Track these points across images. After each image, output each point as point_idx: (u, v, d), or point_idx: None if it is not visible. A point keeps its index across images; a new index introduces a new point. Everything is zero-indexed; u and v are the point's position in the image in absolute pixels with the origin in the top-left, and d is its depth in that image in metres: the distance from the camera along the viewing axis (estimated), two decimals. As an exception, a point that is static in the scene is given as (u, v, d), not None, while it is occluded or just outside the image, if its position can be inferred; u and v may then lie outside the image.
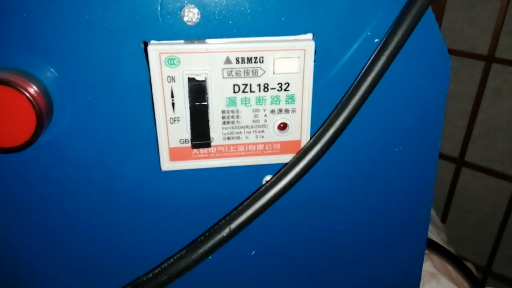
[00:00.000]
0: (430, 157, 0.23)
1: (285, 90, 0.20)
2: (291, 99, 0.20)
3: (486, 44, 0.56)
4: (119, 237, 0.22)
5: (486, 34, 0.56)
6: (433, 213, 0.57)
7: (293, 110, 0.21)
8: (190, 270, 0.18)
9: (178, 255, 0.18)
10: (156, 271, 0.18)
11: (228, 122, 0.20)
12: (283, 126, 0.21)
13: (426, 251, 0.42)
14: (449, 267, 0.41)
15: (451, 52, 0.59)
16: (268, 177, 0.22)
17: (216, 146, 0.21)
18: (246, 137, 0.21)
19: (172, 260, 0.18)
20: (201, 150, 0.20)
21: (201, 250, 0.18)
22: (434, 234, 0.49)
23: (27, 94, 0.17)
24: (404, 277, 0.28)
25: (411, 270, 0.27)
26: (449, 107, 0.61)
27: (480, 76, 0.57)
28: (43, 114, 0.18)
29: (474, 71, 0.58)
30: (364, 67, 0.19)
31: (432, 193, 0.24)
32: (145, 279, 0.18)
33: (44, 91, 0.18)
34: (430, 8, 0.19)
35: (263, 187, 0.20)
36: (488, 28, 0.55)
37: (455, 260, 0.40)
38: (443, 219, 0.66)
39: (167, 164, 0.21)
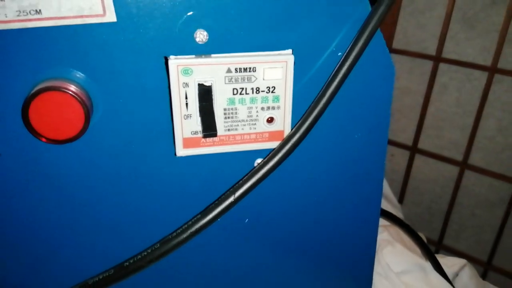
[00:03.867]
0: (380, 143, 0.30)
1: (272, 92, 0.26)
2: (276, 99, 0.26)
3: (434, 46, 0.64)
4: (145, 210, 0.27)
5: (434, 37, 0.64)
6: (391, 195, 0.65)
7: (278, 107, 0.27)
8: (205, 229, 0.24)
9: (196, 218, 0.24)
10: (180, 230, 0.24)
11: (228, 117, 0.26)
12: (270, 120, 0.27)
13: (384, 224, 0.49)
14: (404, 237, 0.48)
15: (405, 53, 0.67)
16: (259, 160, 0.28)
17: (219, 136, 0.26)
18: (242, 129, 0.27)
19: (191, 222, 0.24)
20: (208, 139, 0.26)
21: (214, 213, 0.24)
22: (392, 212, 0.57)
23: (79, 99, 0.22)
24: (364, 243, 0.34)
25: (369, 237, 0.34)
26: (403, 102, 0.69)
27: (429, 74, 0.66)
28: (89, 113, 0.23)
29: (425, 70, 0.66)
30: (330, 75, 0.26)
31: (383, 173, 0.31)
32: (170, 237, 0.24)
33: (88, 96, 0.23)
34: (379, 30, 0.26)
35: (257, 167, 0.26)
36: (435, 32, 0.63)
37: (408, 229, 0.47)
38: (400, 200, 0.74)
39: (181, 151, 0.26)
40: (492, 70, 0.60)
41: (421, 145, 0.70)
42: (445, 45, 0.63)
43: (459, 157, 0.67)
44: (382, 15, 0.24)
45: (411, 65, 0.66)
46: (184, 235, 0.24)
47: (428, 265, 0.42)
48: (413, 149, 0.71)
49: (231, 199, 0.25)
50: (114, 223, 0.27)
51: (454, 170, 0.68)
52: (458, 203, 0.69)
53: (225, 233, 0.30)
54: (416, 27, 0.65)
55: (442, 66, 0.64)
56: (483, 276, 0.70)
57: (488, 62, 0.61)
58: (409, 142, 0.71)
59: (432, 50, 0.64)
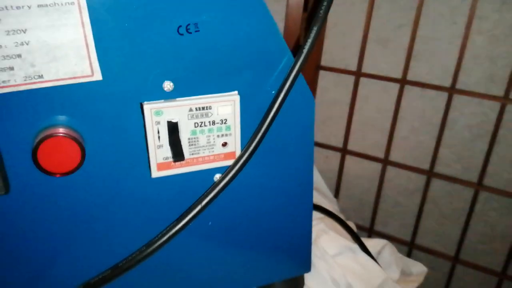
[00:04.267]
0: (308, 153, 0.39)
1: (224, 123, 0.34)
2: (228, 128, 0.34)
3: (355, 63, 0.75)
4: (129, 221, 0.34)
5: (355, 56, 0.75)
6: (328, 191, 0.75)
7: (230, 134, 0.35)
8: (181, 231, 0.32)
9: (173, 224, 0.32)
10: (161, 233, 0.31)
11: (192, 145, 0.34)
12: (224, 144, 0.35)
13: (320, 216, 0.59)
14: (336, 226, 0.58)
15: (331, 69, 0.77)
16: (218, 175, 0.36)
17: (186, 159, 0.34)
18: (203, 152, 0.34)
19: (169, 227, 0.32)
20: (177, 163, 0.34)
21: (187, 218, 0.32)
22: (328, 206, 0.67)
23: (76, 140, 0.29)
24: (302, 232, 0.43)
25: (305, 227, 0.43)
26: (333, 111, 0.80)
27: (352, 87, 0.76)
28: (84, 150, 0.30)
29: (348, 83, 0.77)
30: (268, 108, 0.34)
31: (312, 172, 0.40)
32: (155, 239, 0.31)
33: (81, 136, 0.30)
34: (301, 74, 0.35)
35: (216, 181, 0.34)
36: (356, 51, 0.74)
37: (339, 220, 0.57)
38: (336, 195, 0.85)
39: (155, 173, 0.34)
40: (403, 81, 0.72)
41: (350, 147, 0.81)
42: (364, 62, 0.74)
43: (381, 155, 0.79)
44: (302, 64, 0.33)
45: (337, 79, 0.77)
46: (165, 237, 0.31)
47: (356, 247, 0.52)
48: (344, 151, 0.82)
49: (199, 207, 0.32)
50: (105, 232, 0.34)
51: (378, 167, 0.79)
52: (383, 194, 0.81)
53: (192, 233, 0.37)
54: (339, 47, 0.75)
55: (363, 80, 0.75)
56: (408, 253, 0.83)
57: (399, 75, 0.72)
58: (340, 144, 0.82)
59: (353, 67, 0.75)
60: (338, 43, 0.75)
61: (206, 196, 0.33)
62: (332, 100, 0.78)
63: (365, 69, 0.74)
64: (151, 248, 0.32)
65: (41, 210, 0.31)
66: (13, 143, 0.29)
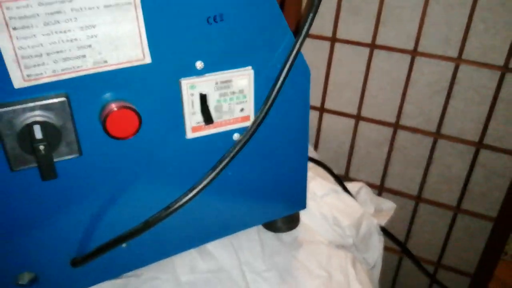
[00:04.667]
0: (304, 108, 0.48)
1: (241, 93, 0.43)
2: (244, 97, 0.43)
3: (330, 30, 0.84)
4: (162, 178, 0.43)
5: (330, 23, 0.83)
6: (310, 146, 0.86)
7: (246, 101, 0.44)
8: (212, 182, 0.41)
9: (207, 175, 0.41)
10: (197, 184, 0.41)
11: (217, 111, 0.43)
12: (241, 110, 0.44)
13: (308, 166, 0.69)
14: (321, 172, 0.69)
15: (309, 36, 0.86)
16: (236, 135, 0.45)
17: (214, 123, 0.43)
18: (225, 117, 0.43)
19: (202, 180, 0.41)
20: (207, 125, 0.43)
21: (218, 168, 0.41)
22: (312, 157, 0.77)
23: (134, 110, 0.37)
24: (298, 178, 0.53)
25: (301, 172, 0.53)
26: (312, 74, 0.89)
27: (328, 52, 0.86)
28: (141, 120, 0.38)
29: (324, 48, 0.86)
30: (275, 80, 0.43)
31: (307, 128, 0.50)
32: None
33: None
34: (300, 52, 0.43)
35: (237, 139, 0.43)
36: (331, 19, 0.83)
37: (324, 166, 0.68)
38: (315, 148, 0.96)
39: (190, 134, 0.42)
40: (372, 46, 0.82)
41: (327, 105, 0.91)
42: (338, 28, 0.83)
43: (354, 112, 0.89)
44: (300, 44, 0.42)
45: (314, 45, 0.86)
46: (201, 186, 0.41)
47: (339, 189, 0.64)
48: (321, 109, 0.92)
49: (227, 159, 0.42)
50: (150, 185, 0.43)
51: (351, 122, 0.90)
52: (356, 146, 0.93)
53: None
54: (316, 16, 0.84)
55: (337, 45, 0.85)
56: (379, 195, 0.96)
57: (369, 40, 0.82)
58: (318, 104, 0.92)
59: (329, 33, 0.84)
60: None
61: (232, 150, 0.42)
62: (310, 64, 0.87)
63: (339, 35, 0.83)
64: (191, 194, 0.41)
65: (106, 168, 0.40)
66: (84, 114, 0.37)
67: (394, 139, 0.88)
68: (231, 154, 0.42)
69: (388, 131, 0.88)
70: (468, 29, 0.74)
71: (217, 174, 0.42)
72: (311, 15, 0.41)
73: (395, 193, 0.94)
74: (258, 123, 0.43)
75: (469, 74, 0.77)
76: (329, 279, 0.52)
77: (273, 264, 0.53)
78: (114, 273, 0.47)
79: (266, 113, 0.43)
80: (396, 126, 0.87)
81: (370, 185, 0.94)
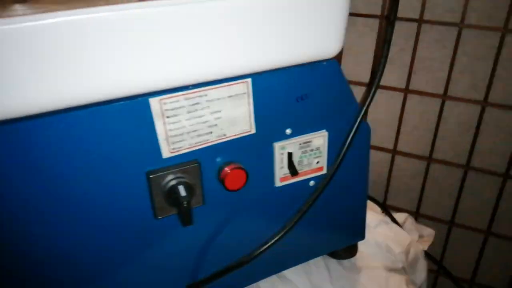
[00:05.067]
0: (365, 159, 0.60)
1: (317, 149, 0.54)
2: (320, 152, 0.55)
3: (368, 76, 0.95)
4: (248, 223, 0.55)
5: (368, 71, 0.95)
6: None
7: (320, 156, 0.55)
8: (299, 222, 0.52)
9: (296, 213, 0.52)
10: (289, 222, 0.52)
11: (299, 164, 0.54)
12: (317, 162, 0.55)
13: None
14: (370, 205, 0.80)
15: (349, 82, 0.97)
16: (312, 182, 0.56)
17: (299, 174, 0.54)
18: (305, 168, 0.55)
19: (294, 216, 0.52)
20: (292, 176, 0.54)
21: (303, 210, 0.52)
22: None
23: (245, 169, 0.49)
24: (358, 213, 0.64)
25: (361, 207, 0.63)
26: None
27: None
28: (248, 176, 0.49)
29: (362, 93, 0.97)
30: (344, 140, 0.54)
31: (367, 173, 0.61)
32: (287, 224, 0.52)
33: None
34: (363, 121, 0.55)
35: (313, 185, 0.54)
36: (368, 68, 0.95)
37: (376, 202, 0.79)
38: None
39: (278, 183, 0.54)
40: (406, 90, 0.93)
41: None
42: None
43: (391, 147, 1.00)
44: (364, 112, 0.54)
45: (355, 90, 0.97)
46: (291, 225, 0.52)
47: (388, 219, 0.74)
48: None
49: (310, 202, 0.53)
50: (246, 223, 0.54)
51: (388, 156, 1.01)
52: (393, 176, 1.03)
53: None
54: (353, 66, 0.96)
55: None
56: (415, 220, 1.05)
57: (403, 86, 0.93)
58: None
59: (366, 80, 0.96)
60: (353, 62, 0.96)
61: (313, 195, 0.53)
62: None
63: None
64: (285, 230, 0.52)
65: (220, 213, 0.52)
66: (207, 174, 0.49)
67: (427, 171, 0.98)
68: (313, 198, 0.54)
69: (422, 164, 0.98)
70: (492, 77, 0.84)
71: (304, 213, 0.53)
72: (369, 97, 0.53)
73: (429, 219, 1.03)
74: (333, 173, 0.54)
75: (494, 114, 0.87)
76: (388, 299, 0.62)
77: (340, 286, 0.63)
78: (216, 296, 0.58)
79: (339, 165, 0.54)
80: (429, 159, 0.97)
81: (406, 212, 1.04)
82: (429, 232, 0.82)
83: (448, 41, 0.86)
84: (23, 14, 0.35)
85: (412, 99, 0.94)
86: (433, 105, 0.92)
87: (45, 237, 0.43)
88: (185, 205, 0.45)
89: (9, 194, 0.40)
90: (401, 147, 0.99)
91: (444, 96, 0.90)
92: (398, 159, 1.00)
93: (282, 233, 0.52)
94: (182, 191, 0.45)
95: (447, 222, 1.01)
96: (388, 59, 0.92)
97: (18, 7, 0.45)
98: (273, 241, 0.52)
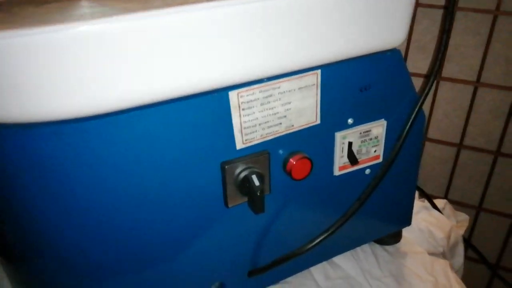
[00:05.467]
0: (418, 148, 0.61)
1: (376, 138, 0.56)
2: (378, 141, 0.56)
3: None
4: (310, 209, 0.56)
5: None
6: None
7: (378, 145, 0.56)
8: (359, 209, 0.54)
9: (356, 202, 0.53)
10: (348, 211, 0.53)
11: (358, 153, 0.55)
12: (375, 151, 0.56)
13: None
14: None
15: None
16: (368, 170, 0.57)
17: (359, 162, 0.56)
18: (363, 157, 0.56)
19: (353, 204, 0.53)
20: (351, 165, 0.55)
21: (362, 198, 0.53)
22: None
23: (310, 159, 0.50)
24: (406, 199, 0.65)
25: (410, 194, 0.65)
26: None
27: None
28: (312, 165, 0.51)
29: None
30: (402, 129, 0.55)
31: (419, 161, 0.62)
32: (347, 213, 0.53)
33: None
34: (422, 110, 0.56)
35: (368, 174, 0.55)
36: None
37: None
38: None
39: (336, 172, 0.55)
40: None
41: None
42: (407, 63, 0.95)
43: (421, 134, 1.01)
44: (422, 101, 0.54)
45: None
46: (351, 211, 0.53)
47: (428, 205, 0.76)
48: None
49: (367, 193, 0.54)
50: (306, 211, 0.56)
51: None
52: (423, 162, 1.04)
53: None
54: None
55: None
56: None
57: (434, 72, 0.94)
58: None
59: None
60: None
61: (373, 184, 0.55)
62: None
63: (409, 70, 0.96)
64: (345, 218, 0.54)
65: (284, 201, 0.53)
66: (274, 163, 0.50)
67: (457, 157, 1.00)
68: (373, 185, 0.55)
69: (452, 150, 1.00)
70: (527, 63, 0.85)
71: (364, 201, 0.54)
72: (428, 87, 0.54)
73: (457, 204, 1.05)
74: (391, 161, 0.56)
75: (527, 101, 0.88)
76: (436, 283, 0.64)
77: (388, 271, 0.65)
78: (273, 280, 0.60)
79: (398, 153, 0.56)
80: (459, 146, 0.98)
81: (434, 197, 1.06)
82: (463, 218, 0.84)
83: (482, 28, 0.87)
84: (91, 12, 0.36)
85: (444, 86, 0.95)
86: (465, 92, 0.93)
87: (126, 224, 0.44)
88: (258, 194, 0.46)
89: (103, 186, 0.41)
90: (431, 134, 1.00)
91: (477, 83, 0.91)
92: (428, 145, 1.02)
93: (343, 220, 0.54)
94: (255, 180, 0.46)
95: (475, 207, 1.03)
96: (421, 47, 0.93)
97: (84, 3, 0.46)
98: (334, 228, 0.54)
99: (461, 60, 0.91)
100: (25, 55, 0.33)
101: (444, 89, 0.95)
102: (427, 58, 0.94)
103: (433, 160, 1.03)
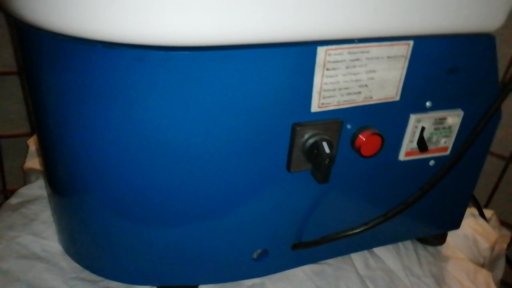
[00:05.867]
0: (487, 146, 0.57)
1: (449, 128, 0.52)
2: (449, 131, 0.52)
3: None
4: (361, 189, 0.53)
5: None
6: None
7: (449, 136, 0.53)
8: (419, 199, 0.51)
9: (418, 191, 0.50)
10: (408, 199, 0.50)
11: (428, 141, 0.52)
12: (445, 142, 0.53)
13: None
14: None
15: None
16: (432, 161, 0.54)
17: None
18: (432, 146, 0.53)
19: (414, 194, 0.50)
20: (418, 151, 0.52)
21: (426, 188, 0.50)
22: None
23: (382, 135, 0.47)
24: (461, 201, 0.62)
25: (465, 196, 0.61)
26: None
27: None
28: (384, 142, 0.48)
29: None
30: (477, 122, 0.52)
31: (484, 161, 0.58)
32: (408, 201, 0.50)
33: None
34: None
35: (439, 169, 0.52)
36: None
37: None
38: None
39: (402, 157, 0.52)
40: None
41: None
42: None
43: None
44: (502, 100, 0.51)
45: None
46: (412, 200, 0.50)
47: (476, 213, 0.72)
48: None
49: (430, 184, 0.51)
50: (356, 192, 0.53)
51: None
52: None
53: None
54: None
55: None
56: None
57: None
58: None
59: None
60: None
61: (439, 175, 0.51)
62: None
63: None
64: (403, 206, 0.51)
65: (346, 177, 0.50)
66: (344, 135, 0.47)
67: (504, 171, 0.95)
68: (437, 177, 0.52)
69: (500, 163, 0.96)
70: None
71: (425, 192, 0.51)
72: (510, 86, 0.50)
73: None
74: (460, 156, 0.52)
75: None
76: (478, 292, 0.61)
77: (429, 271, 0.62)
78: (315, 259, 0.57)
79: (468, 148, 0.52)
80: (509, 160, 0.94)
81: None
82: (505, 233, 0.80)
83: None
84: None
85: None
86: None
87: (187, 172, 0.42)
88: (327, 162, 0.44)
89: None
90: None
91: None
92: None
93: (401, 208, 0.51)
94: (326, 147, 0.44)
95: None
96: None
97: None
98: (390, 215, 0.51)
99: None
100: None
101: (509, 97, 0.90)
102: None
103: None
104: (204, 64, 0.37)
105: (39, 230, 0.56)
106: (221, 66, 0.38)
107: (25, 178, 0.72)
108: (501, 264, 0.72)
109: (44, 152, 0.48)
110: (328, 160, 0.44)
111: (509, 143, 0.94)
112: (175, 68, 0.37)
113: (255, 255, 0.52)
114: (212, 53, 0.37)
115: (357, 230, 0.51)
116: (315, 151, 0.44)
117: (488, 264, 0.71)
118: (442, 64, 0.47)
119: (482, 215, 0.73)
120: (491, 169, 0.97)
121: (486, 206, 1.01)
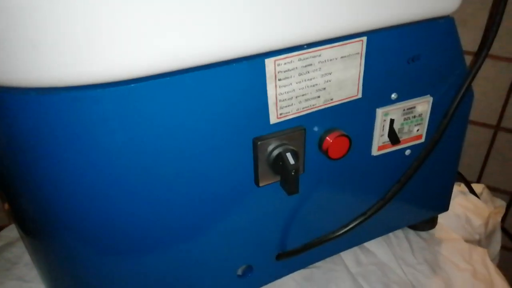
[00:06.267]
0: (463, 129, 0.56)
1: (419, 116, 0.51)
2: (421, 119, 0.51)
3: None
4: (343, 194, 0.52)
5: None
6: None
7: (421, 123, 0.51)
8: (400, 191, 0.49)
9: (396, 184, 0.49)
10: (390, 191, 0.49)
11: (400, 132, 0.50)
12: (417, 130, 0.52)
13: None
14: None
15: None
16: (408, 151, 0.53)
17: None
18: (405, 136, 0.51)
19: (394, 186, 0.49)
20: (391, 144, 0.51)
21: (404, 179, 0.49)
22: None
23: (349, 137, 0.45)
24: (446, 185, 0.61)
25: (450, 179, 0.60)
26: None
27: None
28: (351, 144, 0.46)
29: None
30: (448, 107, 0.50)
31: (463, 144, 0.57)
32: (388, 195, 0.49)
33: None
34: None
35: (408, 154, 0.51)
36: None
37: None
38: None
39: (375, 152, 0.50)
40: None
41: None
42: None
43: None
44: (470, 81, 0.49)
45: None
46: (392, 192, 0.49)
47: (466, 190, 0.71)
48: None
49: (407, 176, 0.50)
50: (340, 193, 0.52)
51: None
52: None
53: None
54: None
55: None
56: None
57: (474, 49, 0.88)
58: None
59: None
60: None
61: (414, 166, 0.50)
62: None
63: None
64: (383, 202, 0.49)
65: (317, 181, 0.49)
66: (310, 141, 0.46)
67: (494, 140, 0.94)
68: (414, 167, 0.50)
69: (489, 132, 0.94)
70: None
71: (404, 184, 0.50)
72: (478, 63, 0.49)
73: (491, 189, 0.99)
74: (435, 142, 0.51)
75: None
76: (474, 272, 0.60)
77: (423, 258, 0.61)
78: (302, 265, 0.56)
79: (442, 133, 0.51)
80: (496, 128, 0.92)
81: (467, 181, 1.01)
82: (500, 204, 0.79)
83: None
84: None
85: (484, 64, 0.88)
86: (507, 71, 0.87)
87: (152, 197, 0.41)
88: (293, 173, 0.42)
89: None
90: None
91: (521, 61, 0.85)
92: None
93: (381, 204, 0.50)
94: (290, 158, 0.42)
95: (510, 193, 0.98)
96: (461, 20, 0.86)
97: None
98: (371, 212, 0.50)
99: (505, 36, 0.84)
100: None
101: (485, 67, 0.88)
102: (468, 32, 0.87)
103: (467, 142, 0.97)
104: (144, 95, 0.36)
105: (22, 274, 0.55)
106: (165, 93, 0.36)
107: (8, 217, 0.71)
108: (498, 237, 0.71)
109: (8, 199, 0.47)
110: (294, 171, 0.42)
111: (493, 111, 0.92)
112: (113, 104, 0.35)
113: (240, 272, 0.52)
114: (147, 83, 0.35)
115: (338, 233, 0.50)
116: (280, 163, 0.43)
117: (485, 239, 0.70)
118: (403, 54, 0.45)
119: (471, 191, 0.72)
120: (481, 139, 0.95)
121: (479, 178, 1.00)
